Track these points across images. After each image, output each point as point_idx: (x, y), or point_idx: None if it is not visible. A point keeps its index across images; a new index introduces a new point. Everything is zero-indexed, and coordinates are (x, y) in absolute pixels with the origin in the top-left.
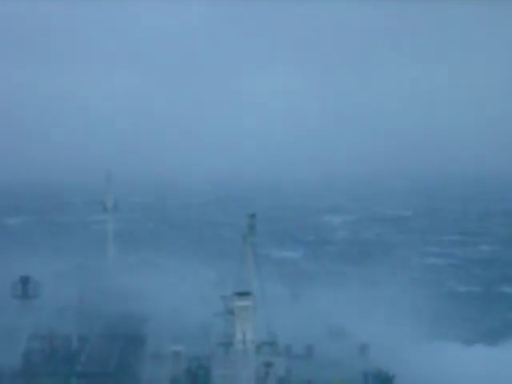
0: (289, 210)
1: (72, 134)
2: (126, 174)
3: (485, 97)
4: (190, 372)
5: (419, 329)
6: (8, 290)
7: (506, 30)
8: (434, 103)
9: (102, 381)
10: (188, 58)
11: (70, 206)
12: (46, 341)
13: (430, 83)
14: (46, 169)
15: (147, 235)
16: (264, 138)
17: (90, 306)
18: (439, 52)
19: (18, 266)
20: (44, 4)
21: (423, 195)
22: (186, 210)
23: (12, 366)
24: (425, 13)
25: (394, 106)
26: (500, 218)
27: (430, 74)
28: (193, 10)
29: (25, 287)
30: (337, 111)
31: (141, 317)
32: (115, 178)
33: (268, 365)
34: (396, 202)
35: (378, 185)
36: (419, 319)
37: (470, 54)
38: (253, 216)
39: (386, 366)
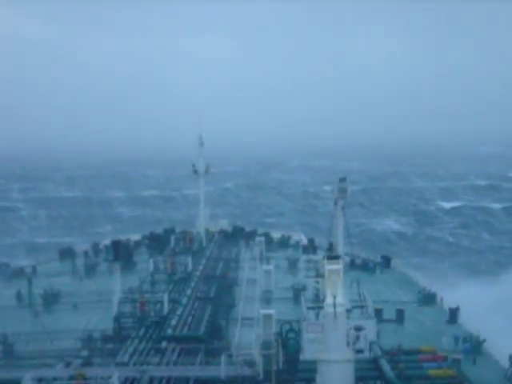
0: None
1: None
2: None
3: None
4: (280, 335)
5: None
6: (102, 255)
7: None
8: None
9: (192, 344)
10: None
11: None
12: (138, 305)
13: None
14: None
15: (237, 201)
16: None
17: (181, 269)
18: None
19: (110, 234)
20: None
21: None
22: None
23: (103, 329)
24: None
25: None
26: None
27: None
28: None
29: (116, 251)
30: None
31: (232, 280)
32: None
33: (358, 329)
34: None
35: None
36: None
37: None
38: (343, 179)
39: (476, 331)
